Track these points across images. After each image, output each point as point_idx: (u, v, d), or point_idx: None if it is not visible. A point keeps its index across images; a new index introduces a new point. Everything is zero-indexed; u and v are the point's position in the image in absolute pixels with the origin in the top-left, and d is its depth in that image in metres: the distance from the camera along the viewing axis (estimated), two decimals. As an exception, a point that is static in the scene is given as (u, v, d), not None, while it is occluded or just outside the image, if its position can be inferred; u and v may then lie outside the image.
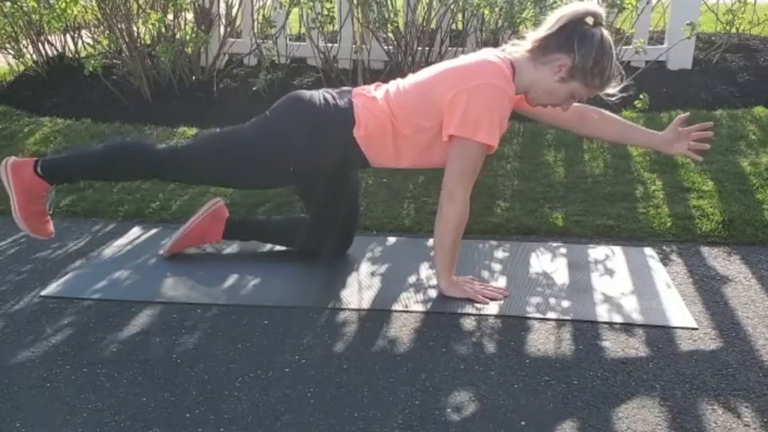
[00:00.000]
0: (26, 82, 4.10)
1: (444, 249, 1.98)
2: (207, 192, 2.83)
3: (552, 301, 1.99)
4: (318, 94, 2.03)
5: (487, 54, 1.95)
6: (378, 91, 2.02)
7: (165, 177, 2.21)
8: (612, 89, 1.93)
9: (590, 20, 1.86)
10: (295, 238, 2.29)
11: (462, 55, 2.04)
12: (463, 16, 3.78)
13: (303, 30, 3.90)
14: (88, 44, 4.24)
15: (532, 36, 1.91)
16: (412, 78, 2.00)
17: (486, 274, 2.16)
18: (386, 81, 2.12)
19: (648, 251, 2.29)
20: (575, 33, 1.84)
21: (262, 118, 2.06)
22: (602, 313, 1.91)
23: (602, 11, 1.87)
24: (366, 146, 1.98)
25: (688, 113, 2.14)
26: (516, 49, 1.94)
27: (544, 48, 1.88)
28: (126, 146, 2.35)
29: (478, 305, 1.96)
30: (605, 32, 1.86)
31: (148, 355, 1.76)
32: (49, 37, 4.14)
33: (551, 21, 1.87)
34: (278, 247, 2.36)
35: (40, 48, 4.09)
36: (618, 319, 1.88)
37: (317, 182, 2.14)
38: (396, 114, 1.94)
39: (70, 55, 4.23)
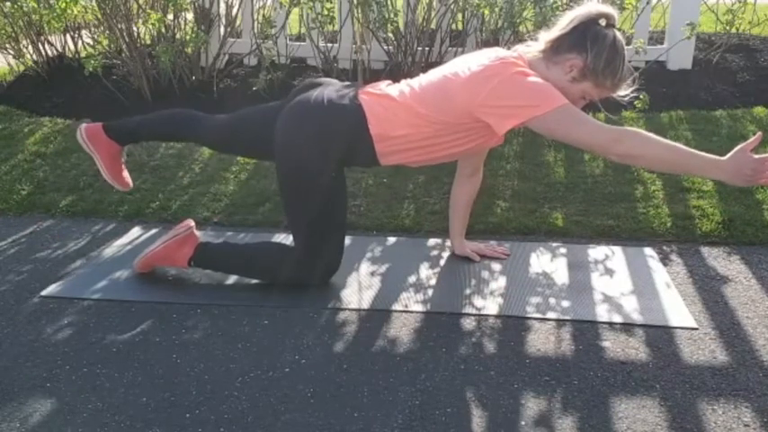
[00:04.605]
0: (26, 82, 4.10)
1: (673, 160, 1.73)
2: (207, 192, 2.83)
3: (552, 301, 1.99)
4: (321, 94, 2.00)
5: (501, 52, 1.93)
6: (390, 88, 2.00)
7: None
8: (624, 91, 1.92)
9: (603, 21, 1.86)
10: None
11: (474, 53, 2.00)
12: (463, 16, 3.77)
13: (303, 30, 3.90)
14: (88, 44, 4.24)
15: (545, 36, 1.90)
16: (428, 79, 1.96)
17: (486, 273, 2.16)
18: (385, 80, 2.12)
19: (648, 251, 2.29)
20: (587, 34, 1.84)
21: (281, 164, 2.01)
22: (602, 313, 1.91)
23: (615, 12, 1.86)
24: (378, 137, 1.93)
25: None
26: (529, 49, 1.93)
27: (557, 48, 1.88)
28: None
29: (478, 305, 1.96)
30: (618, 34, 1.86)
31: (148, 355, 1.76)
32: (49, 37, 4.14)
33: (564, 21, 1.88)
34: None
35: (40, 48, 4.08)
36: (618, 319, 1.88)
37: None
38: (414, 111, 1.91)
39: (70, 55, 4.23)
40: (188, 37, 3.67)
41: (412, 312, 1.94)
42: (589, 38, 1.84)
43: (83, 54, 4.19)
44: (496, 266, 2.21)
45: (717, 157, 1.70)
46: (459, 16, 3.80)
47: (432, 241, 2.41)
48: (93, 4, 3.74)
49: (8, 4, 3.79)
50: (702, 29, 4.23)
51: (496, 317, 1.91)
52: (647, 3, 3.60)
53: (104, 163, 2.22)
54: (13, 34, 4.02)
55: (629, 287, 2.06)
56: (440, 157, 1.98)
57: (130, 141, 2.27)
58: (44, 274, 2.20)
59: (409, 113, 1.92)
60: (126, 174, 2.29)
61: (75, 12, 3.58)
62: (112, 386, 1.63)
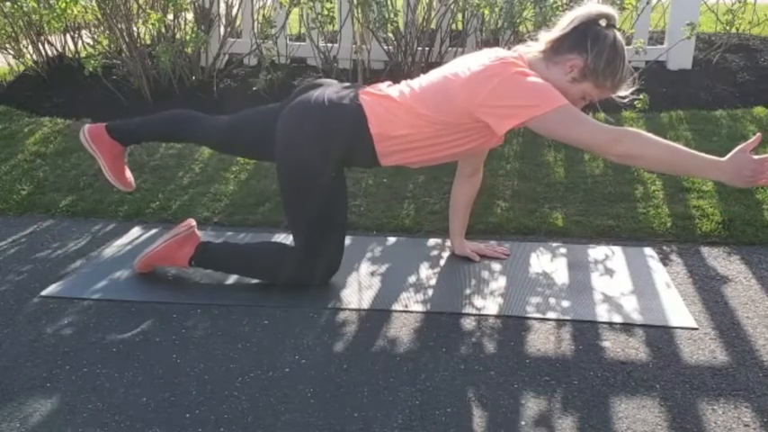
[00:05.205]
0: (26, 82, 4.10)
1: (672, 161, 1.72)
2: (207, 192, 2.83)
3: (552, 301, 1.99)
4: (322, 94, 2.00)
5: (501, 53, 1.93)
6: (391, 89, 2.01)
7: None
8: (624, 91, 1.92)
9: (603, 21, 1.86)
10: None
11: (474, 53, 2.01)
12: (463, 16, 3.77)
13: (303, 30, 3.90)
14: (88, 44, 4.24)
15: (546, 37, 1.90)
16: (428, 80, 1.97)
17: (485, 273, 2.16)
18: (385, 80, 2.12)
19: (648, 251, 2.29)
20: (588, 34, 1.84)
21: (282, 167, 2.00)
22: (602, 313, 1.91)
23: (615, 13, 1.86)
24: (379, 137, 1.93)
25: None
26: (529, 49, 1.93)
27: (557, 48, 1.87)
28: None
29: (478, 305, 1.96)
30: (618, 34, 1.86)
31: (148, 355, 1.76)
32: (49, 37, 4.14)
33: (565, 21, 1.87)
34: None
35: (40, 48, 4.08)
36: (618, 319, 1.88)
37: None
38: (414, 112, 1.91)
39: (70, 55, 4.22)
40: (188, 37, 3.67)
41: (412, 312, 1.94)
42: (589, 38, 1.84)
43: (83, 54, 4.19)
44: (496, 266, 2.21)
45: (716, 158, 1.70)
46: (460, 16, 3.80)
47: (432, 241, 2.41)
48: (93, 4, 3.74)
49: (8, 4, 3.79)
50: (702, 29, 4.23)
51: (496, 317, 1.91)
52: (647, 3, 3.60)
53: (107, 163, 2.22)
54: (13, 34, 4.02)
55: (629, 287, 2.06)
56: (440, 157, 1.98)
57: (133, 142, 2.27)
58: (44, 274, 2.20)
59: (410, 114, 1.92)
60: (129, 174, 2.30)
61: (75, 12, 3.58)
62: (112, 386, 1.63)
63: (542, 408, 1.53)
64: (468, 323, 1.88)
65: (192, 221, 2.16)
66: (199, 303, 2.00)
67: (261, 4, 3.99)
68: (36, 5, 3.68)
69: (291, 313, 1.95)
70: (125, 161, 2.29)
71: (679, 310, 1.92)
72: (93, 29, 4.25)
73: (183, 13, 3.77)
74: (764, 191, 2.63)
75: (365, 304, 1.98)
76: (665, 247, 2.33)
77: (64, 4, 3.43)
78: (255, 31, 3.89)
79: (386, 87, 2.02)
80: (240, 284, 2.12)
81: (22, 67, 4.22)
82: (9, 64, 4.31)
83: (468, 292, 2.05)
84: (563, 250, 2.32)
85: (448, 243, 2.36)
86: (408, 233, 2.50)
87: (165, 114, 2.28)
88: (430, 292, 2.05)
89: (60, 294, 2.07)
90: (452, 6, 3.60)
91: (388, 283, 2.11)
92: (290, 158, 1.98)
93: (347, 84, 2.09)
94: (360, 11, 3.63)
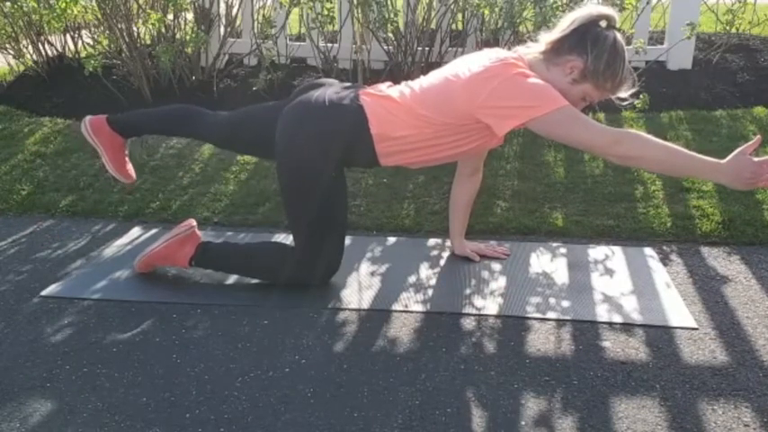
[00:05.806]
0: (26, 82, 4.10)
1: (672, 163, 1.73)
2: (207, 192, 2.83)
3: (552, 301, 1.99)
4: (322, 94, 2.00)
5: (502, 53, 1.93)
6: (391, 89, 2.01)
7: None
8: (624, 93, 1.92)
9: (603, 22, 1.86)
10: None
11: (474, 53, 2.01)
12: (463, 16, 3.77)
13: (303, 30, 3.90)
14: (88, 44, 4.24)
15: (546, 38, 1.90)
16: (428, 81, 1.97)
17: (485, 273, 2.16)
18: (385, 81, 2.12)
19: (648, 251, 2.29)
20: (588, 35, 1.84)
21: (281, 160, 2.00)
22: (602, 313, 1.91)
23: (615, 14, 1.86)
24: (379, 137, 1.93)
25: None
26: (529, 50, 1.93)
27: (557, 49, 1.88)
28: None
29: (478, 305, 1.96)
30: (618, 36, 1.86)
31: (148, 355, 1.76)
32: (49, 37, 4.14)
33: (565, 23, 1.88)
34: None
35: (40, 48, 4.08)
36: (618, 319, 1.88)
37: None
38: (414, 113, 1.91)
39: (70, 55, 4.22)
40: (188, 37, 3.67)
41: (412, 312, 1.94)
42: (589, 40, 1.84)
43: (83, 54, 4.19)
44: (496, 266, 2.21)
45: (716, 161, 1.70)
46: (460, 16, 3.80)
47: (432, 241, 2.41)
48: (93, 4, 3.74)
49: (8, 4, 3.78)
50: (702, 29, 4.23)
51: (496, 317, 1.91)
52: (647, 3, 3.61)
53: (108, 155, 2.23)
54: (13, 34, 4.02)
55: (629, 287, 2.06)
56: (440, 158, 1.98)
57: (133, 134, 2.28)
58: (44, 274, 2.20)
59: (410, 115, 1.92)
60: (130, 166, 2.30)
61: (75, 12, 3.58)
62: (112, 386, 1.63)
63: (542, 408, 1.53)
64: (468, 323, 1.88)
65: (193, 222, 2.16)
66: (199, 303, 2.00)
67: (261, 4, 3.99)
68: (36, 5, 3.68)
69: (291, 313, 1.95)
70: (126, 153, 2.29)
71: (679, 310, 1.92)
72: (93, 29, 4.24)
73: (183, 13, 3.77)
74: (765, 191, 2.63)
75: (365, 304, 1.99)
76: (665, 247, 2.33)
77: (64, 4, 3.43)
78: (255, 31, 3.89)
79: (386, 88, 2.02)
80: (240, 284, 2.12)
81: (22, 67, 4.22)
82: (9, 64, 4.31)
83: (468, 292, 2.05)
84: (563, 250, 2.32)
85: (448, 243, 2.36)
86: (408, 233, 2.50)
87: (166, 108, 2.28)
88: (430, 292, 2.05)
89: (60, 294, 2.07)
90: (452, 6, 3.60)
91: (388, 283, 2.11)
92: (290, 158, 1.98)
93: (348, 84, 2.09)
94: (360, 11, 3.63)
